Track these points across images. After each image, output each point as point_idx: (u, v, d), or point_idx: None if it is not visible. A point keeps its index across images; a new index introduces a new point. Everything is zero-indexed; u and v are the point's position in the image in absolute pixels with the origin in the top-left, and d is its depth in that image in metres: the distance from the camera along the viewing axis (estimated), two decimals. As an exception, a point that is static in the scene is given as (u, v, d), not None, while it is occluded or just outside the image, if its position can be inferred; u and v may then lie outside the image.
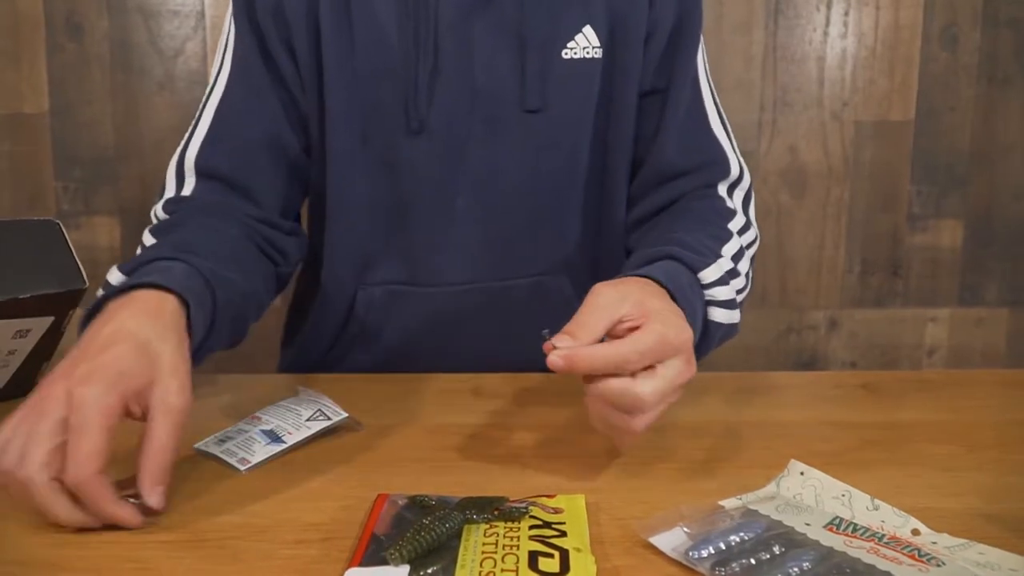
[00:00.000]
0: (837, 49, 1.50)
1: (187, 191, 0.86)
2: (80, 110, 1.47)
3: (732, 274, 0.79)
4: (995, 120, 1.54)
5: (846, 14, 1.49)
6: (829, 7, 1.49)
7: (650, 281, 0.69)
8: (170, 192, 0.87)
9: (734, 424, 0.78)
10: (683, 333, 0.63)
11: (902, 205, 1.55)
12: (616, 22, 0.90)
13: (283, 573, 0.53)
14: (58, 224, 0.79)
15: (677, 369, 0.62)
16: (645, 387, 0.60)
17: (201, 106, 0.90)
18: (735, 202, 0.91)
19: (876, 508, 0.59)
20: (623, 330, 0.61)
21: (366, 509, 0.59)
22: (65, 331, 0.81)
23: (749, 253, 0.87)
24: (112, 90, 1.47)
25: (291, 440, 0.70)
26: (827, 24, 1.50)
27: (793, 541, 0.54)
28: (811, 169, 1.53)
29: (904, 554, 0.53)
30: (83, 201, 1.49)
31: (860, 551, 0.53)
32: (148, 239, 0.82)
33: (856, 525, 0.56)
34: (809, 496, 0.61)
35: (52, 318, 0.77)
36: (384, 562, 0.51)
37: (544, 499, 0.60)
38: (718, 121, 0.94)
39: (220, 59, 0.91)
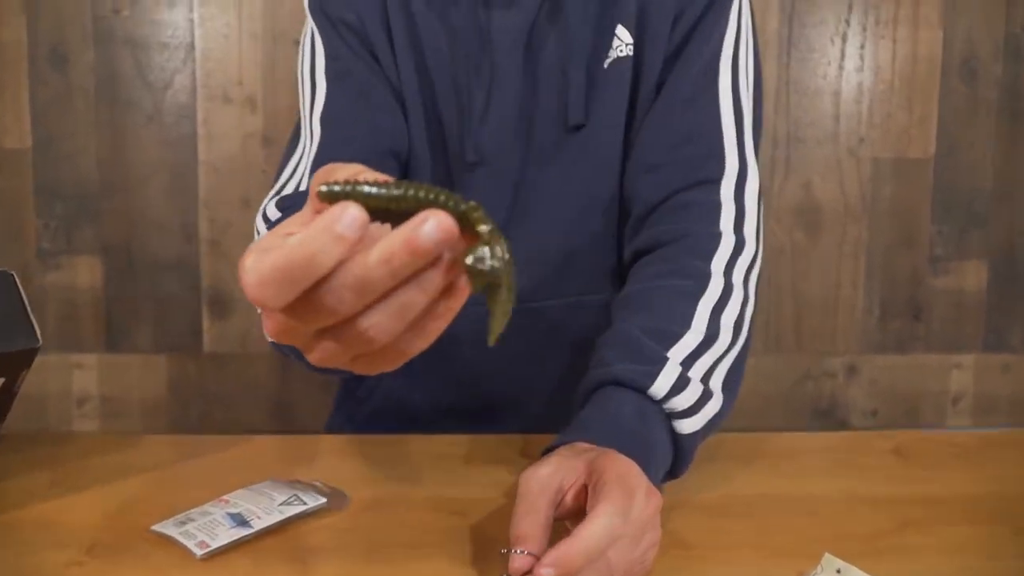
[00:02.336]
0: (853, 83, 1.44)
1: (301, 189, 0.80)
2: (63, 144, 1.41)
3: (687, 378, 0.69)
4: (1017, 155, 1.48)
5: (862, 47, 1.43)
6: (844, 40, 1.43)
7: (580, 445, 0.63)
8: (283, 192, 0.80)
9: (754, 499, 0.70)
10: (647, 508, 0.57)
11: (923, 245, 1.48)
12: (644, 12, 0.83)
13: None
14: (11, 275, 0.72)
15: (649, 543, 0.57)
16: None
17: (301, 127, 0.85)
18: (744, 205, 0.79)
19: (924, 613, 0.51)
20: (570, 500, 0.58)
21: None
22: (18, 392, 0.74)
23: (751, 283, 0.77)
24: (97, 123, 1.41)
25: (259, 525, 0.63)
26: (842, 57, 1.44)
27: (831, 660, 0.46)
28: (827, 207, 1.46)
29: None
30: (65, 239, 1.43)
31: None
32: (274, 210, 0.76)
33: (903, 638, 0.48)
34: (846, 596, 0.54)
35: (2, 379, 0.70)
36: None
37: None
38: (730, 109, 0.82)
39: (310, 81, 0.85)
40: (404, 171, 0.86)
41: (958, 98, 1.45)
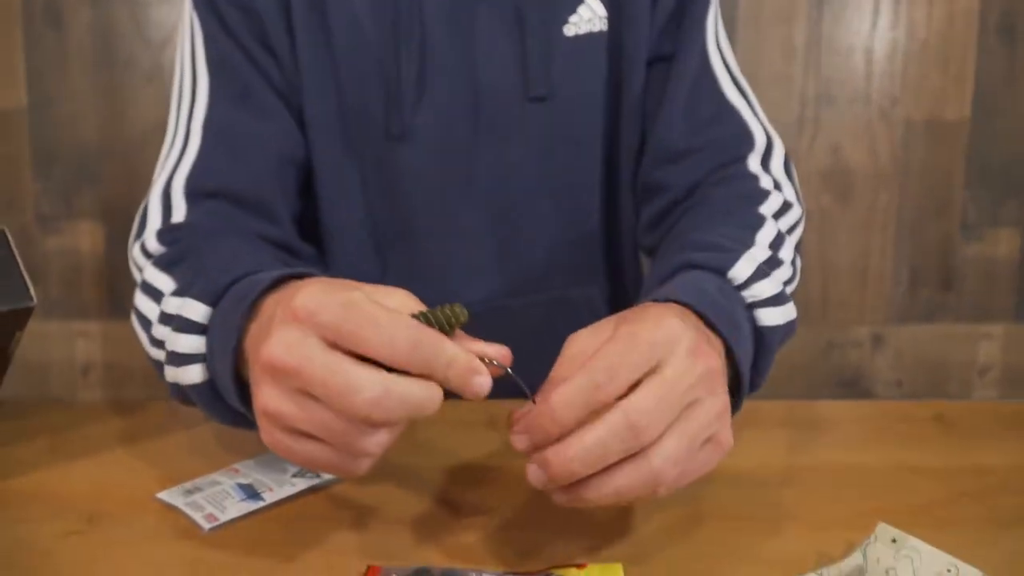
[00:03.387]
0: (886, 41, 1.38)
1: (179, 217, 0.71)
2: (60, 105, 1.37)
3: (772, 263, 0.64)
4: (1054, 119, 1.43)
5: (897, 3, 1.38)
6: (878, -5, 1.38)
7: (660, 306, 0.53)
8: (155, 223, 0.71)
9: (794, 469, 0.66)
10: (660, 327, 0.47)
11: (955, 212, 1.43)
12: None
13: None
14: (3, 231, 0.68)
15: (675, 374, 0.45)
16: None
17: (175, 126, 0.76)
18: (774, 176, 0.77)
19: (995, 590, 0.47)
20: None
21: (356, 583, 0.48)
22: (13, 355, 0.70)
23: (792, 239, 0.72)
24: (95, 83, 1.37)
25: (271, 498, 0.59)
26: (876, 14, 1.38)
27: (900, 641, 0.42)
28: (857, 171, 1.41)
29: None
30: (64, 203, 1.39)
31: (989, 656, 0.41)
32: (158, 277, 0.65)
33: (976, 617, 0.44)
34: (906, 570, 0.49)
35: (-4, 340, 0.66)
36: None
37: (573, 571, 0.49)
38: (732, 86, 0.80)
39: (190, 69, 0.77)
40: (306, 170, 0.79)
41: (995, 58, 1.40)
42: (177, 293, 0.60)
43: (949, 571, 0.49)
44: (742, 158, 0.77)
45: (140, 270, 0.69)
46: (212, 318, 0.56)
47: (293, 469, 0.63)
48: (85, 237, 1.40)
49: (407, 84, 0.77)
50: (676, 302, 0.53)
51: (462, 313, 0.47)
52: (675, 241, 0.68)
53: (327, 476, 0.62)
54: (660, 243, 0.74)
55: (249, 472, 0.63)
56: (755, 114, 0.80)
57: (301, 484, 0.61)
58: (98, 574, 0.50)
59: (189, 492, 0.60)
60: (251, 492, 0.60)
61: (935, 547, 0.50)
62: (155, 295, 0.64)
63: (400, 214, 0.81)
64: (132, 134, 1.38)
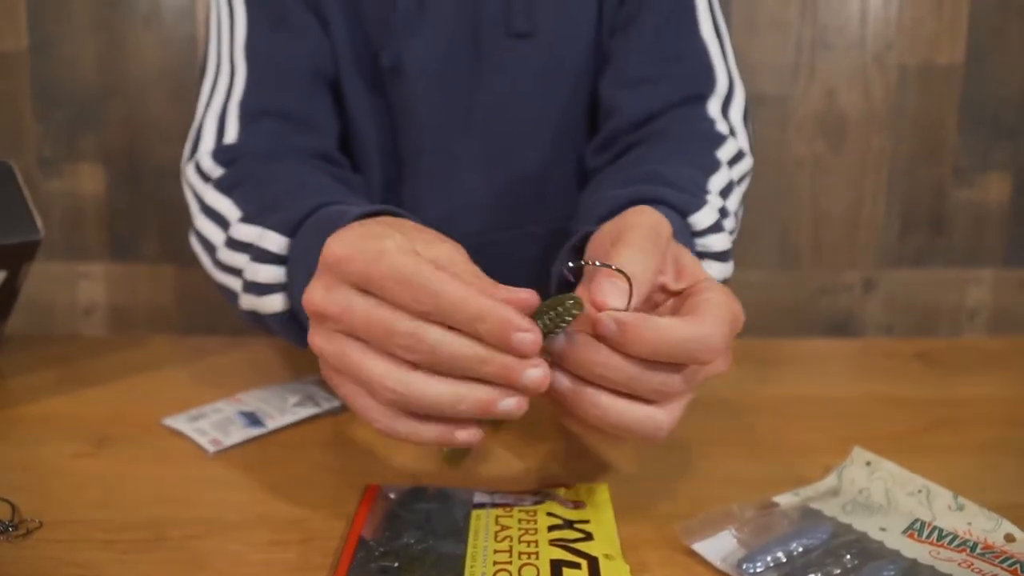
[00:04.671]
0: (882, -15, 1.38)
1: (231, 137, 0.72)
2: (60, 46, 1.36)
3: (722, 213, 0.64)
4: (1050, 65, 1.42)
5: (893, -55, 1.37)
6: (873, -62, 1.37)
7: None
8: (208, 143, 0.72)
9: (778, 400, 0.68)
10: (733, 301, 0.47)
11: (947, 157, 1.44)
12: None
13: (254, 583, 0.44)
14: (9, 165, 0.69)
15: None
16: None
17: (216, 56, 0.78)
18: (731, 122, 0.77)
19: (961, 508, 0.49)
20: (656, 284, 0.48)
21: (355, 502, 0.50)
22: (20, 288, 0.72)
23: (740, 189, 0.73)
24: (94, 24, 1.36)
25: (273, 425, 0.61)
26: (872, -44, 1.37)
27: (868, 551, 0.45)
28: (850, 116, 1.41)
29: (1004, 568, 0.43)
30: (66, 146, 1.39)
31: (951, 564, 0.44)
32: (220, 201, 0.65)
33: (941, 530, 0.47)
34: (879, 492, 0.52)
35: (4, 273, 0.68)
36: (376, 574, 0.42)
37: (561, 490, 0.52)
38: (709, 24, 0.80)
39: (227, 6, 0.78)
40: (334, 90, 0.80)
41: (988, 3, 1.39)
42: (247, 220, 0.61)
43: (920, 491, 0.51)
44: (702, 97, 0.77)
45: (197, 192, 0.69)
46: (291, 250, 0.56)
47: (294, 399, 0.65)
48: (87, 179, 1.40)
49: (403, 15, 0.78)
50: None
51: (576, 306, 0.42)
52: (633, 168, 0.68)
53: (327, 405, 0.64)
54: (607, 166, 0.75)
55: (251, 401, 0.65)
56: (724, 56, 0.80)
57: (302, 412, 0.63)
58: (107, 491, 0.53)
59: (194, 418, 0.62)
60: (254, 419, 0.62)
61: (908, 470, 0.53)
62: (219, 220, 0.65)
63: (405, 145, 0.83)
64: (133, 77, 1.38)
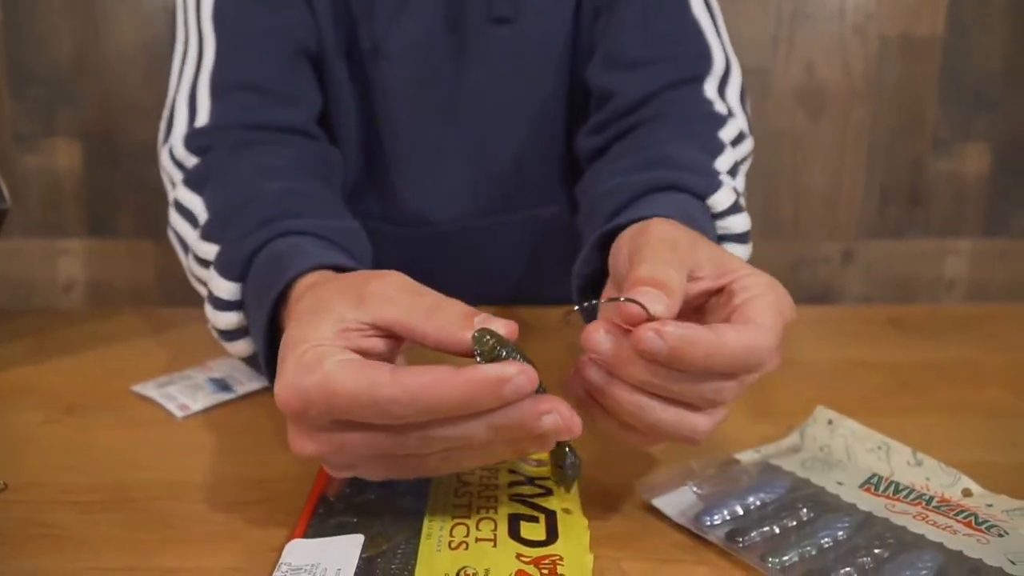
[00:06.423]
0: (862, -46, 1.38)
1: (203, 119, 0.70)
2: (35, 22, 1.35)
3: (739, 194, 0.64)
4: (1029, 37, 1.43)
5: (872, -86, 1.37)
6: (853, -92, 1.36)
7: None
8: (181, 127, 0.70)
9: (748, 364, 0.69)
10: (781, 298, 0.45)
11: (927, 129, 1.44)
12: None
13: (216, 541, 0.44)
14: (-24, 134, 0.68)
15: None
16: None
17: (184, 28, 0.75)
18: (728, 103, 0.75)
19: (919, 463, 0.50)
20: (697, 291, 0.46)
21: (319, 464, 0.50)
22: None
23: (743, 169, 0.72)
24: (70, 1, 1.35)
25: (242, 390, 0.62)
26: (851, -74, 1.37)
27: (823, 504, 0.45)
28: (830, 89, 1.42)
29: (958, 520, 0.44)
30: (42, 122, 1.38)
31: (905, 517, 0.44)
32: (190, 198, 0.63)
33: (898, 484, 0.47)
34: (839, 449, 0.53)
35: (-27, 242, 0.68)
36: (333, 532, 0.43)
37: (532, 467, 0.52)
38: (702, 4, 0.78)
39: None
40: (317, 67, 0.78)
41: (970, -27, 1.39)
42: (205, 238, 0.59)
43: (880, 447, 0.52)
44: (699, 78, 0.75)
45: (172, 184, 0.67)
46: (243, 295, 0.54)
47: (264, 364, 0.65)
48: (63, 155, 1.40)
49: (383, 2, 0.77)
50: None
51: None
52: (638, 152, 0.67)
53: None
54: (604, 147, 0.74)
55: (221, 368, 0.65)
56: (719, 35, 0.78)
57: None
58: (74, 456, 0.53)
59: (163, 385, 0.62)
60: (222, 385, 0.62)
61: (870, 428, 0.53)
62: (189, 217, 0.63)
63: (383, 129, 0.82)
64: (108, 53, 1.37)
